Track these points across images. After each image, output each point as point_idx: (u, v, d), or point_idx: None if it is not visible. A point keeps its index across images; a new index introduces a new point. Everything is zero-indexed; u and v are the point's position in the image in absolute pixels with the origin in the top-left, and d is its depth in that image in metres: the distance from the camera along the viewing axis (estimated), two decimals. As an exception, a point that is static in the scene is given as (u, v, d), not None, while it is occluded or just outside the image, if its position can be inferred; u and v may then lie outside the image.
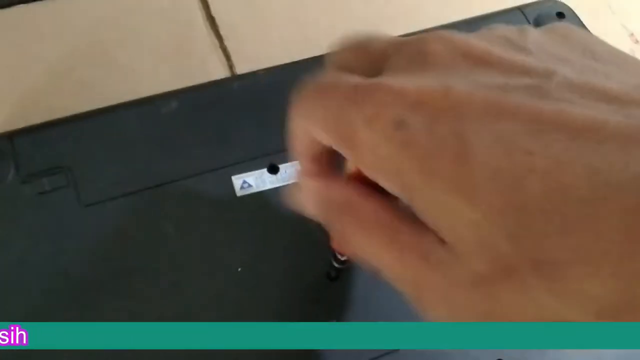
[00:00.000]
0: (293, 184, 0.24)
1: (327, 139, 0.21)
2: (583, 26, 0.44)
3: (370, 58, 0.21)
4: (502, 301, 0.17)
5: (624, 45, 0.48)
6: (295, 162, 0.24)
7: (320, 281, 0.33)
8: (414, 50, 0.20)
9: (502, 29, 0.21)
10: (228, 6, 0.44)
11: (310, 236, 0.33)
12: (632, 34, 0.49)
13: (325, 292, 0.32)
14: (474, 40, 0.20)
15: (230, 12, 0.43)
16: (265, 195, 0.34)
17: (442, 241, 0.18)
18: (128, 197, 0.33)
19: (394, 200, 0.21)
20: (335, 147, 0.21)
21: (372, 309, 0.32)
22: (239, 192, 0.34)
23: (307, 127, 0.22)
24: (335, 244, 0.27)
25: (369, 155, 0.19)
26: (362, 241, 0.21)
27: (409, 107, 0.18)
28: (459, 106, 0.18)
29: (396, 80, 0.19)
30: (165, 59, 0.41)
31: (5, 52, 0.40)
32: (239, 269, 0.32)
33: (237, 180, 0.34)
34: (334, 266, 0.31)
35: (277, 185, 0.34)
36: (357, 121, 0.19)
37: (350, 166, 0.23)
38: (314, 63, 0.38)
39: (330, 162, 0.23)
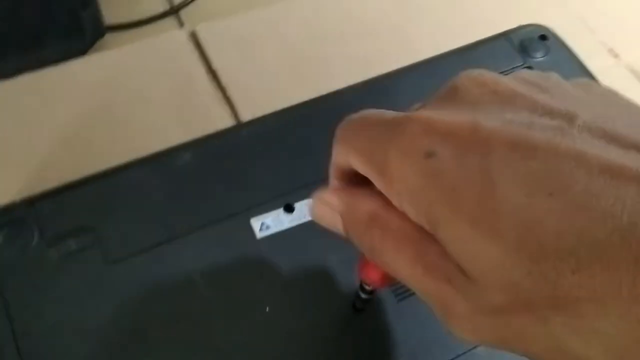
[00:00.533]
0: (320, 200, 0.25)
1: (362, 168, 0.22)
2: (565, 45, 0.46)
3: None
4: (521, 332, 0.18)
5: (605, 60, 0.50)
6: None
7: (346, 313, 0.33)
8: (445, 87, 0.21)
9: (528, 73, 0.22)
10: (227, 58, 0.45)
11: (333, 270, 0.34)
12: (610, 49, 0.51)
13: (352, 323, 0.33)
14: (503, 79, 0.21)
15: (229, 64, 0.45)
16: (285, 235, 0.35)
17: (464, 271, 0.19)
18: (152, 250, 0.34)
19: None
20: (368, 176, 0.22)
21: (399, 339, 0.33)
22: (259, 235, 0.35)
23: (345, 154, 0.23)
24: (362, 273, 0.28)
25: (399, 184, 0.20)
26: (390, 254, 0.21)
27: (439, 138, 0.19)
28: (486, 141, 0.18)
29: (428, 113, 0.20)
30: (173, 114, 0.42)
31: (16, 119, 0.41)
32: (267, 309, 0.33)
33: (256, 223, 0.35)
34: (360, 297, 0.32)
35: (295, 223, 0.35)
36: (390, 151, 0.20)
37: None
38: (314, 104, 0.40)
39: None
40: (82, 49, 0.45)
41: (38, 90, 0.42)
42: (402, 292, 0.34)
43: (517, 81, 0.21)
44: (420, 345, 0.33)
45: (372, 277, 0.28)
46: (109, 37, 0.47)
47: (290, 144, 0.39)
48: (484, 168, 0.18)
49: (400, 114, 0.21)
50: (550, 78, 0.21)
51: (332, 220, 0.24)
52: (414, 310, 0.33)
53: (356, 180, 0.24)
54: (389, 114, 0.22)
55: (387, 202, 0.22)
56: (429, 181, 0.19)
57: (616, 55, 0.51)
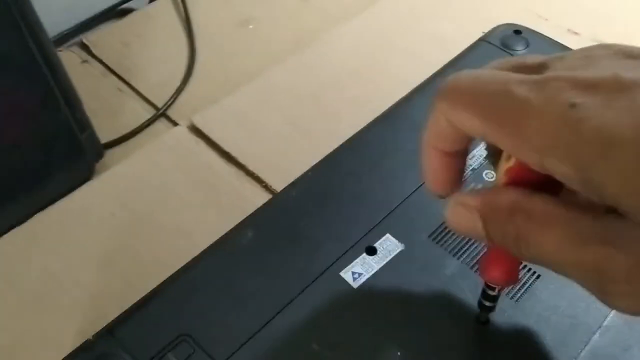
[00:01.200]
0: (457, 203, 0.25)
1: (488, 128, 0.21)
2: (539, 34, 0.48)
3: (529, 69, 0.22)
4: None
5: (571, 39, 0.53)
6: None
7: (473, 327, 0.32)
8: (577, 55, 0.22)
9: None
10: (234, 138, 0.45)
11: (442, 290, 0.33)
12: (569, 29, 0.54)
13: (483, 336, 0.32)
14: (636, 47, 0.21)
15: (239, 142, 0.44)
16: (379, 276, 0.34)
17: (622, 217, 0.19)
18: (256, 337, 0.32)
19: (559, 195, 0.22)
20: (490, 137, 0.21)
21: (528, 349, 0.32)
22: (355, 284, 0.34)
23: (454, 115, 0.23)
24: (486, 274, 0.28)
25: (541, 138, 0.20)
26: (537, 236, 0.21)
27: (582, 89, 0.19)
28: (631, 87, 0.19)
29: (567, 73, 0.20)
30: (207, 206, 0.41)
31: (42, 261, 0.38)
32: (398, 353, 0.31)
33: (347, 275, 0.34)
34: (485, 305, 0.31)
35: (383, 262, 0.34)
36: (528, 107, 0.20)
37: (503, 166, 0.24)
38: (343, 150, 0.40)
39: (460, 160, 0.25)
40: (85, 175, 0.43)
41: (60, 223, 0.40)
42: (517, 292, 0.33)
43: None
44: (555, 334, 0.32)
45: (498, 274, 0.27)
46: (107, 155, 0.45)
47: (342, 191, 0.38)
48: (630, 105, 0.18)
49: (520, 75, 0.21)
50: None
51: (470, 222, 0.24)
52: (533, 304, 0.33)
53: (459, 148, 0.24)
54: (505, 74, 0.22)
55: (523, 190, 0.22)
56: (576, 128, 0.19)
57: (576, 33, 0.54)
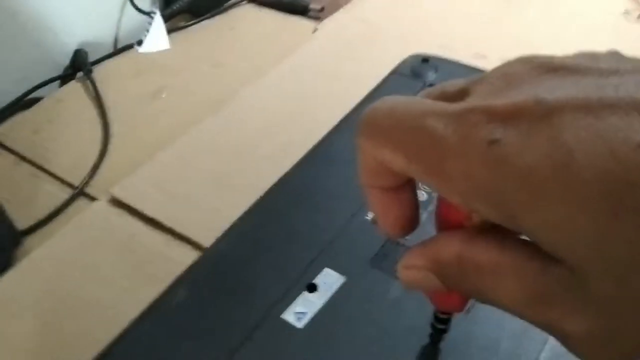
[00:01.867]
0: (404, 267, 0.22)
1: (408, 167, 0.19)
2: (445, 59, 0.49)
3: (450, 97, 0.20)
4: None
5: (480, 62, 0.54)
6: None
7: (428, 350, 0.31)
8: (495, 75, 0.19)
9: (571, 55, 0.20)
10: (157, 203, 0.43)
11: (392, 317, 0.32)
12: (476, 53, 0.56)
13: (437, 358, 0.31)
14: (557, 57, 0.19)
15: (163, 207, 0.43)
16: (325, 312, 0.32)
17: (566, 267, 0.17)
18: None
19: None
20: (416, 177, 0.19)
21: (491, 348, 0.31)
22: (300, 324, 0.32)
23: (380, 152, 0.20)
24: (438, 304, 0.26)
25: (463, 182, 0.17)
26: (494, 292, 0.19)
27: (500, 122, 0.17)
28: (553, 112, 0.16)
29: (483, 101, 0.18)
30: (135, 277, 0.39)
31: None
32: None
33: (289, 316, 0.32)
34: (437, 328, 0.30)
35: (326, 298, 0.33)
36: (446, 146, 0.18)
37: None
38: (271, 195, 0.39)
39: (409, 192, 0.22)
40: (5, 263, 0.40)
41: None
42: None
43: (566, 57, 0.19)
44: (510, 339, 0.31)
45: (450, 302, 0.26)
46: (27, 242, 0.42)
47: (273, 233, 0.37)
48: (555, 139, 0.16)
49: (437, 104, 0.19)
50: (595, 52, 0.19)
51: (427, 282, 0.22)
52: (486, 312, 0.32)
53: (393, 182, 0.22)
54: (421, 103, 0.20)
55: (465, 236, 0.20)
56: (498, 170, 0.17)
57: (484, 56, 0.56)
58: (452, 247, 0.20)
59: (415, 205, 0.22)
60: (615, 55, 0.19)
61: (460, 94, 0.20)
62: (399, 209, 0.22)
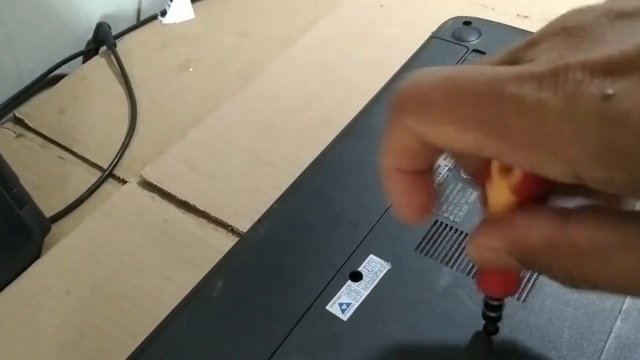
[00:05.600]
0: (476, 247, 0.21)
1: (478, 142, 0.17)
2: (489, 22, 0.46)
3: (513, 62, 0.18)
4: None
5: (523, 22, 0.51)
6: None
7: (482, 339, 0.29)
8: (555, 32, 0.18)
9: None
10: (188, 185, 0.41)
11: (445, 303, 0.30)
12: (518, 14, 0.53)
13: (492, 348, 0.29)
14: (623, 1, 0.18)
15: (195, 189, 0.41)
16: (368, 303, 0.30)
17: None
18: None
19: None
20: (490, 152, 0.18)
21: (547, 351, 0.28)
22: (345, 316, 0.30)
23: (429, 130, 0.18)
24: (484, 288, 0.24)
25: (574, 146, 0.16)
26: (595, 275, 0.18)
27: (609, 75, 0.15)
28: None
29: (575, 57, 0.16)
30: (170, 262, 0.37)
31: (12, 346, 0.34)
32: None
33: (334, 308, 0.30)
34: (490, 316, 0.28)
35: (371, 287, 0.31)
36: (545, 111, 0.16)
37: (499, 184, 0.20)
38: (305, 177, 0.37)
39: (430, 177, 0.21)
40: (32, 254, 0.39)
41: (9, 313, 0.35)
42: (522, 292, 0.30)
43: (631, 1, 0.18)
44: (573, 328, 0.28)
45: (498, 287, 0.24)
46: (56, 229, 0.41)
47: (313, 217, 0.35)
48: None
49: (512, 68, 0.17)
50: None
51: (504, 263, 0.20)
52: (542, 301, 0.29)
53: (427, 165, 0.21)
54: (489, 70, 0.18)
55: (553, 217, 0.18)
56: (619, 127, 0.15)
57: (527, 17, 0.52)
58: (539, 230, 0.19)
59: (435, 191, 0.22)
60: None
61: (521, 59, 0.18)
62: (421, 194, 0.22)
